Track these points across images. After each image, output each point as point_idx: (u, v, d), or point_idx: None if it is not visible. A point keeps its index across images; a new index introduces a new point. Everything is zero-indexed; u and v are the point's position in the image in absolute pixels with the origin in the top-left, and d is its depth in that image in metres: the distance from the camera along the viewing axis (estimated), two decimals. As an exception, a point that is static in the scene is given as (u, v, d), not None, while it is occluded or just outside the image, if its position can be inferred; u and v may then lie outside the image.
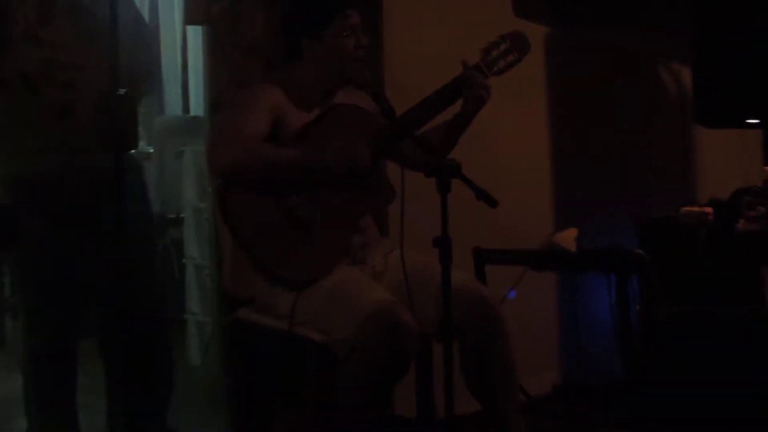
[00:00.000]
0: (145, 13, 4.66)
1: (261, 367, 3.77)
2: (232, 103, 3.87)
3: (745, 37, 4.04)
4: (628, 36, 4.96)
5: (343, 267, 3.54)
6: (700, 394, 3.29)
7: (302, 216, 3.52)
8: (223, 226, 3.59)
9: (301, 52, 3.66)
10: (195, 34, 4.44)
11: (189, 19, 4.07)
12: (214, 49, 4.05)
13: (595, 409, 4.51)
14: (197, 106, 4.60)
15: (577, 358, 4.91)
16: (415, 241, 3.48)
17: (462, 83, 3.61)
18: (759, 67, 4.01)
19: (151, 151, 5.30)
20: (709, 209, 4.29)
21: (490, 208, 3.29)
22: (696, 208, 4.37)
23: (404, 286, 3.42)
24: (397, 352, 3.33)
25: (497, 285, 4.28)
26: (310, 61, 3.65)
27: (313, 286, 3.47)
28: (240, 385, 3.97)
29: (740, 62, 4.08)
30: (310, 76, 3.66)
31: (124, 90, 3.01)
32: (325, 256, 3.53)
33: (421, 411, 3.78)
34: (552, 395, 4.76)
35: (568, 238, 4.37)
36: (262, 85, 3.68)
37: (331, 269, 3.51)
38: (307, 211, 3.53)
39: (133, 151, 3.34)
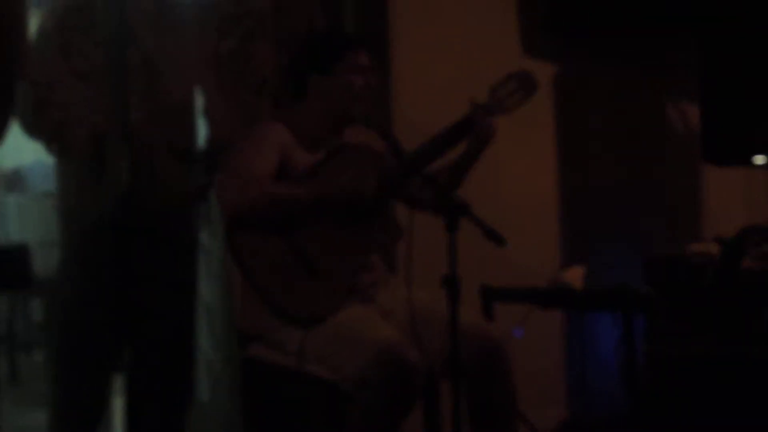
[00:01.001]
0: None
1: (271, 403, 3.77)
2: (239, 144, 3.88)
3: (752, 75, 4.05)
4: (636, 74, 4.97)
5: (352, 305, 3.53)
6: (703, 427, 3.28)
7: (311, 254, 3.53)
8: (233, 264, 3.62)
9: (308, 90, 3.67)
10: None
11: (202, 54, 4.06)
12: (223, 88, 4.04)
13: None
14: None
15: (584, 395, 4.89)
16: (423, 278, 3.48)
17: (468, 122, 3.61)
18: (765, 105, 4.02)
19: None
20: (716, 247, 4.29)
21: (498, 246, 3.32)
22: (702, 246, 4.37)
23: (412, 327, 3.42)
24: (404, 389, 3.32)
25: (504, 321, 4.29)
26: (317, 97, 3.65)
27: (322, 323, 3.47)
28: (250, 421, 3.97)
29: (747, 101, 4.10)
30: (316, 114, 3.67)
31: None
32: (333, 294, 3.53)
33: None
34: (560, 428, 4.75)
35: (575, 275, 4.37)
36: (269, 124, 3.71)
37: (339, 307, 3.50)
38: (316, 250, 3.54)
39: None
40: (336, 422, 3.45)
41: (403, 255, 3.60)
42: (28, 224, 4.73)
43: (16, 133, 3.36)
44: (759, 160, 4.15)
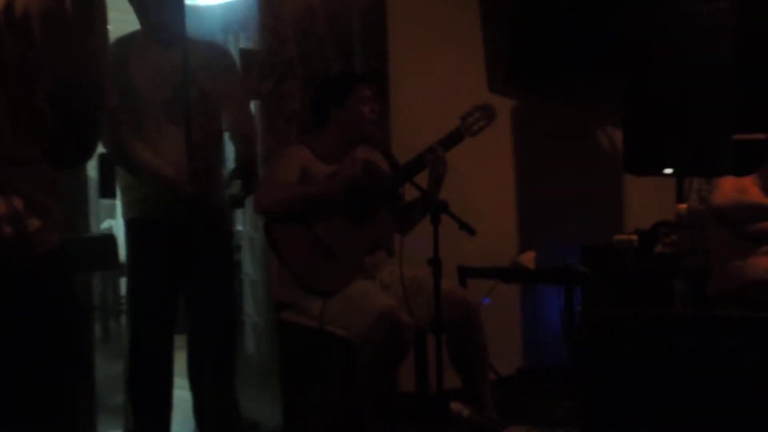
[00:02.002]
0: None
1: (299, 354, 3.76)
2: (272, 159, 3.87)
3: (662, 107, 4.02)
4: (574, 107, 4.94)
5: (359, 280, 3.53)
6: (626, 372, 3.26)
7: (327, 242, 3.52)
8: (270, 250, 3.63)
9: (329, 119, 3.63)
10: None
11: (245, 92, 4.03)
12: (263, 118, 4.02)
13: (549, 385, 4.47)
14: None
15: (535, 348, 4.87)
16: (414, 260, 3.49)
17: (421, 160, 3.59)
18: (674, 130, 3.98)
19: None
20: (635, 237, 4.27)
21: (470, 235, 3.30)
22: (625, 236, 4.35)
23: (405, 296, 3.43)
24: (398, 342, 3.35)
25: (475, 292, 4.26)
26: (336, 124, 3.63)
27: (337, 294, 3.46)
28: (284, 368, 3.95)
29: (658, 127, 4.05)
30: (336, 137, 3.64)
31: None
32: (345, 272, 3.53)
33: (418, 386, 3.77)
34: (516, 375, 4.72)
35: (528, 258, 4.38)
36: (294, 146, 3.69)
37: (350, 282, 3.50)
38: (331, 239, 3.53)
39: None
40: (348, 368, 3.43)
41: (398, 242, 3.59)
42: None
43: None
44: (667, 170, 4.10)
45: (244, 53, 4.03)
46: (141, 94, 3.35)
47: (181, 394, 3.72)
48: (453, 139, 3.59)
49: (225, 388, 3.68)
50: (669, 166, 4.08)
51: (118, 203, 3.96)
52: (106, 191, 3.58)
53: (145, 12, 3.41)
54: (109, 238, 3.27)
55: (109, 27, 2.08)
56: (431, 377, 3.53)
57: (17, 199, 1.88)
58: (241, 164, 3.70)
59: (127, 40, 3.44)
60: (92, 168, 3.72)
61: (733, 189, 3.76)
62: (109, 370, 4.13)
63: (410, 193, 3.60)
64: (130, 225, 3.52)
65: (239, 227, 4.66)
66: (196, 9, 4.01)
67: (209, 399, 3.62)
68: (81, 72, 1.97)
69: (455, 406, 3.48)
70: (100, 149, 3.15)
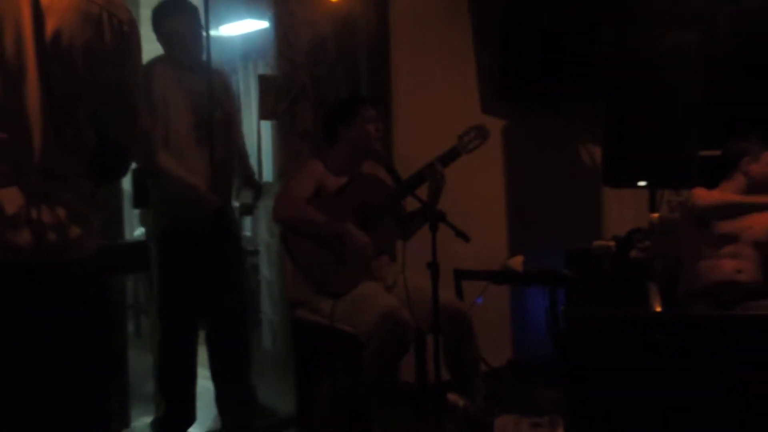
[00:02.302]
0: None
1: (311, 349, 3.75)
2: (288, 174, 3.87)
3: (636, 128, 4.02)
4: (558, 126, 4.93)
5: (365, 282, 3.52)
6: (605, 365, 3.26)
7: (337, 248, 3.51)
8: (285, 255, 3.62)
9: (338, 137, 3.64)
10: (265, 124, 4.43)
11: (262, 116, 4.05)
12: (279, 136, 4.03)
13: (535, 375, 4.46)
14: (268, 174, 4.58)
15: (523, 342, 4.86)
16: (414, 264, 3.47)
17: (422, 175, 3.58)
18: (646, 147, 3.99)
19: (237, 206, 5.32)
20: (612, 243, 4.27)
21: (464, 242, 3.30)
22: (603, 242, 4.35)
23: (407, 296, 3.39)
24: (400, 338, 3.34)
25: (470, 293, 4.27)
26: (344, 142, 3.62)
27: (345, 295, 3.46)
28: (298, 362, 3.95)
29: (633, 144, 4.06)
30: (345, 153, 3.63)
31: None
32: (353, 275, 3.52)
33: (418, 378, 3.75)
34: (507, 366, 4.71)
35: (517, 262, 4.36)
36: (309, 161, 3.68)
37: (357, 284, 3.49)
38: (341, 245, 3.51)
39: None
40: (355, 361, 3.41)
41: (400, 249, 3.59)
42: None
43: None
44: (641, 183, 4.10)
45: (262, 78, 4.04)
46: (172, 117, 3.36)
47: (205, 384, 3.73)
48: (451, 155, 3.59)
49: (242, 378, 3.69)
50: (642, 179, 4.09)
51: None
52: (139, 202, 3.58)
53: (170, 43, 3.43)
54: (142, 245, 3.27)
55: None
56: (430, 370, 3.52)
57: (60, 210, 1.88)
58: (249, 177, 3.73)
59: (154, 63, 3.43)
60: (126, 181, 3.72)
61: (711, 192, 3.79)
62: (141, 363, 4.12)
63: (411, 203, 3.60)
64: (161, 235, 3.51)
65: (246, 232, 4.67)
66: (219, 39, 4.03)
67: (229, 388, 3.63)
68: (118, 98, 1.99)
69: (452, 396, 3.47)
70: (133, 164, 3.16)
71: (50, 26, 1.82)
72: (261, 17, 4.09)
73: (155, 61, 3.43)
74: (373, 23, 4.22)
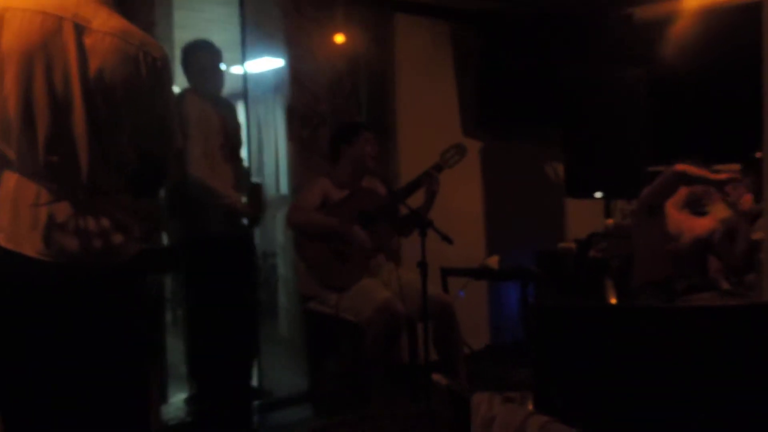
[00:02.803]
0: (254, 130, 4.59)
1: (320, 335, 3.74)
2: (303, 187, 3.85)
3: (592, 148, 4.01)
4: (528, 146, 4.93)
5: (365, 278, 3.50)
6: (567, 349, 3.24)
7: (341, 249, 3.50)
8: (297, 257, 3.61)
9: (341, 155, 3.63)
10: (282, 146, 4.40)
11: (290, 139, 4.02)
12: (301, 155, 4.02)
13: (509, 357, 4.45)
14: (284, 188, 4.56)
15: (499, 329, 4.85)
16: (406, 263, 3.48)
17: (420, 180, 3.60)
18: (602, 164, 3.97)
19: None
20: (574, 245, 4.26)
21: (449, 244, 3.29)
22: (566, 244, 4.34)
23: (400, 290, 3.39)
24: (394, 327, 3.35)
25: (454, 287, 4.25)
26: (346, 160, 3.61)
27: (348, 289, 3.45)
28: (310, 346, 3.93)
29: (591, 161, 4.05)
30: (347, 169, 3.62)
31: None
32: (355, 272, 3.50)
33: (411, 359, 3.74)
34: (485, 349, 4.70)
35: (493, 260, 4.34)
36: (318, 178, 3.67)
37: (359, 280, 3.48)
38: (345, 248, 3.50)
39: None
40: (357, 345, 3.41)
41: (395, 249, 3.58)
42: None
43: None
44: (598, 194, 4.09)
45: (289, 108, 4.02)
46: (203, 140, 3.33)
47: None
48: (437, 168, 3.60)
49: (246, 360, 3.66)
50: (598, 191, 4.07)
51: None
52: (174, 213, 3.55)
53: (194, 78, 3.41)
54: (175, 249, 3.24)
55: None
56: (420, 353, 3.52)
57: (105, 220, 1.88)
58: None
59: (186, 93, 3.41)
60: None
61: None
62: (177, 348, 4.10)
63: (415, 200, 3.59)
64: (194, 242, 3.41)
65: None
66: (252, 76, 4.00)
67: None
68: (154, 124, 1.98)
69: (436, 376, 3.45)
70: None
71: (93, 65, 1.82)
72: (278, 56, 4.06)
73: (186, 92, 3.41)
74: (381, 63, 4.25)
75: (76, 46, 1.80)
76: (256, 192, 3.48)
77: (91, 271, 1.88)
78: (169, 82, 2.00)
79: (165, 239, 3.39)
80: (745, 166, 3.84)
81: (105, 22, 1.84)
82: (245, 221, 3.48)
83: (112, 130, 1.90)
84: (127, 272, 1.94)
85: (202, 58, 3.37)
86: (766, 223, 2.08)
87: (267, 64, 4.23)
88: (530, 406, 1.60)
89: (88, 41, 1.81)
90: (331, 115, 4.05)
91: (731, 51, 3.32)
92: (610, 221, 4.06)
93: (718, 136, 4.11)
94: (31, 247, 1.81)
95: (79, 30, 1.81)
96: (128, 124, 1.92)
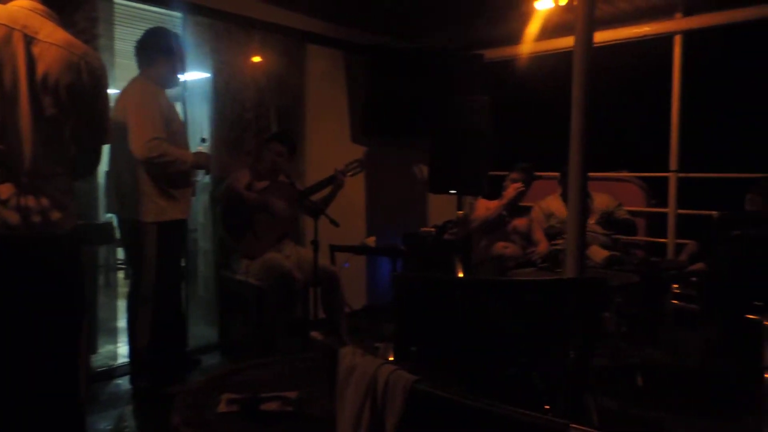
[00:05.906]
0: (189, 127, 4.35)
1: (230, 295, 3.66)
2: (230, 173, 3.63)
3: (452, 154, 4.05)
4: (402, 152, 5.00)
5: (271, 252, 3.47)
6: (422, 310, 3.34)
7: (257, 228, 3.45)
8: (222, 226, 3.52)
9: (261, 156, 3.58)
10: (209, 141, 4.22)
11: (216, 138, 3.89)
12: (230, 152, 3.89)
13: (382, 316, 4.52)
14: (206, 178, 4.38)
15: (374, 293, 4.90)
16: (304, 241, 3.43)
17: (333, 178, 3.63)
18: (456, 168, 4.05)
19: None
20: (434, 229, 4.35)
21: (335, 227, 3.30)
22: (427, 228, 4.43)
23: (298, 263, 3.40)
24: (291, 290, 3.33)
25: (340, 260, 4.26)
26: (266, 158, 3.55)
27: (257, 259, 3.40)
28: (221, 304, 3.84)
29: (448, 165, 4.11)
30: (266, 165, 3.55)
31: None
32: (264, 246, 3.46)
33: (304, 315, 3.70)
34: (363, 309, 4.75)
35: (371, 240, 4.39)
36: (244, 169, 3.57)
37: (265, 252, 3.44)
38: (259, 227, 3.46)
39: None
40: (261, 305, 3.35)
41: (296, 230, 3.54)
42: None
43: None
44: (452, 191, 4.18)
45: (218, 115, 3.89)
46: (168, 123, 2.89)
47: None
48: (342, 173, 3.66)
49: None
50: (453, 189, 4.16)
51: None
52: (109, 193, 3.35)
53: (156, 64, 2.89)
54: (109, 224, 3.06)
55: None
56: (311, 311, 3.55)
57: (44, 199, 1.82)
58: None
59: (140, 80, 2.92)
60: (101, 176, 3.48)
61: (485, 208, 3.95)
62: (108, 306, 3.90)
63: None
64: (155, 226, 2.88)
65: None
66: (186, 84, 3.76)
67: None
68: (92, 121, 1.91)
69: (314, 333, 3.46)
70: (104, 167, 2.95)
71: (40, 70, 1.77)
72: (210, 71, 3.89)
73: (139, 78, 2.93)
74: (294, 82, 4.23)
75: (24, 53, 1.75)
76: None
77: (30, 241, 1.81)
78: (106, 86, 1.93)
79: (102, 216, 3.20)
80: (560, 174, 4.07)
81: (50, 34, 1.78)
82: (204, 173, 3.21)
83: (54, 125, 1.83)
84: (63, 241, 1.88)
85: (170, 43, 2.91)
86: (571, 216, 2.22)
87: (201, 76, 4.05)
88: (391, 356, 1.65)
89: (35, 50, 1.76)
90: (255, 122, 3.99)
91: (554, 84, 3.48)
92: (460, 213, 4.18)
93: (542, 148, 4.33)
94: (-23, 220, 1.72)
95: (28, 39, 1.75)
96: (70, 121, 1.87)
